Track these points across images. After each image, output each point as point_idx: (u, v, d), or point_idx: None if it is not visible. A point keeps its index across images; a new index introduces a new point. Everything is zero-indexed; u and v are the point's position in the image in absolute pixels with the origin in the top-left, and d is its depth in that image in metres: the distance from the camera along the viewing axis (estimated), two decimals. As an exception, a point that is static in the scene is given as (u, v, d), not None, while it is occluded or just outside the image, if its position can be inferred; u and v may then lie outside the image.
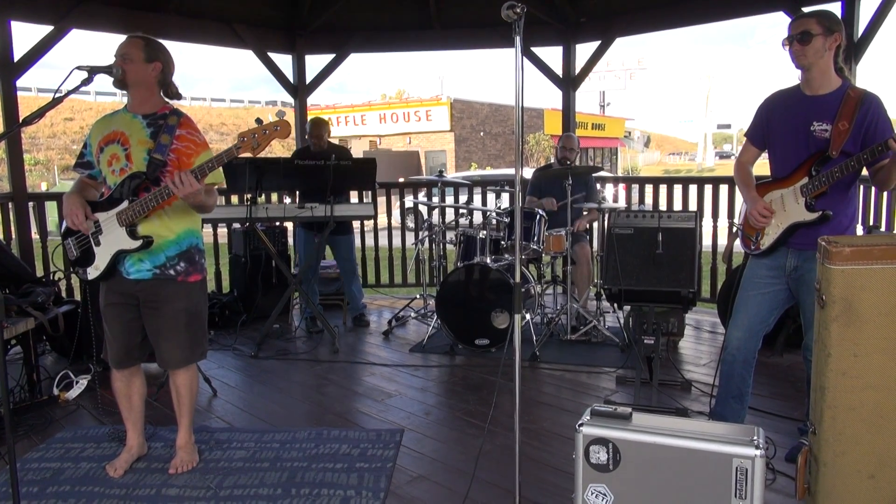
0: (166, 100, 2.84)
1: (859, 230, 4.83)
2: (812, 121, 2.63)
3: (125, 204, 2.68)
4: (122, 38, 2.76)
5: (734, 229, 3.07)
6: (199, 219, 2.93)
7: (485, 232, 4.63)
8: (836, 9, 5.00)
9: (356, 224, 6.18)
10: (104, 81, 2.68)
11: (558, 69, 6.52)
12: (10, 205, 5.15)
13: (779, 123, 2.76)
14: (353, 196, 6.08)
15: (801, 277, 2.71)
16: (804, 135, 2.66)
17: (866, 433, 1.95)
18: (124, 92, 2.76)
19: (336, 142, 5.56)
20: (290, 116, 6.49)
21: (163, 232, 2.75)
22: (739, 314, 2.87)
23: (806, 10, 2.67)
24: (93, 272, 2.80)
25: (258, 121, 2.60)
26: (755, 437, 1.91)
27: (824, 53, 2.58)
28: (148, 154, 2.69)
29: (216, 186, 2.85)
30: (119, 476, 2.87)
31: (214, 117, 36.95)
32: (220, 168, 2.73)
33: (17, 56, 4.99)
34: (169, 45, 2.94)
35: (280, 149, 35.22)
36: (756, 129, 2.88)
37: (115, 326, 2.84)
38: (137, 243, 2.69)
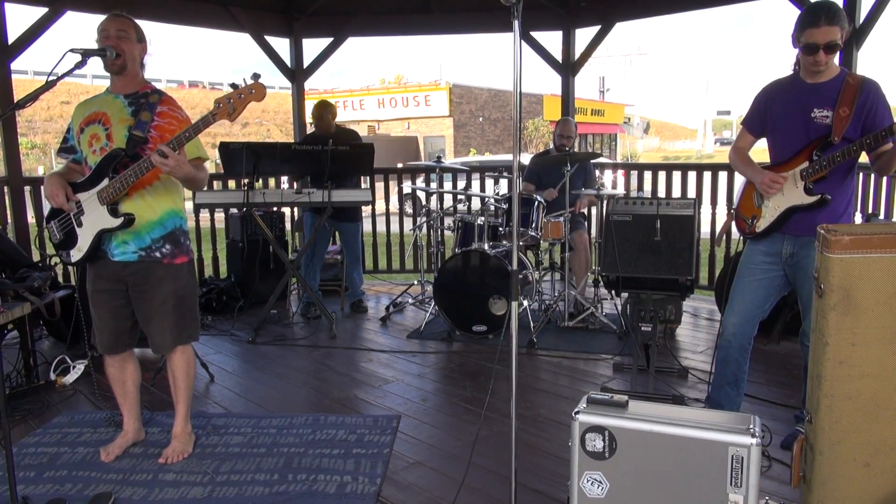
0: (146, 80, 2.81)
1: (858, 218, 4.83)
2: (813, 108, 2.64)
3: (105, 182, 2.65)
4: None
5: (730, 211, 3.07)
6: (181, 200, 2.90)
7: (483, 218, 4.62)
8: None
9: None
10: (100, 65, 2.66)
11: (558, 54, 6.47)
12: (5, 189, 5.13)
13: (779, 111, 2.76)
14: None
15: (797, 264, 2.72)
16: (805, 122, 2.66)
17: (863, 422, 1.94)
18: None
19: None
20: (289, 99, 6.43)
21: (145, 213, 2.72)
22: (735, 300, 2.88)
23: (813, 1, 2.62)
24: (76, 254, 2.76)
25: (233, 85, 2.54)
26: (751, 426, 1.91)
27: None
28: (128, 131, 2.66)
29: (204, 161, 2.82)
30: (111, 460, 2.88)
31: (212, 101, 36.70)
32: (202, 141, 2.72)
33: (11, 38, 4.94)
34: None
35: (279, 134, 34.98)
36: (754, 118, 2.89)
37: (104, 312, 2.83)
38: (118, 221, 2.66)
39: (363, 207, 6.13)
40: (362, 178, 6.21)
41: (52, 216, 2.80)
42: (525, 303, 4.78)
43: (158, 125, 2.69)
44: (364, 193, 4.96)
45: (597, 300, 5.01)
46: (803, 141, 2.68)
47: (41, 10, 5.04)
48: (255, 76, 2.55)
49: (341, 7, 6.49)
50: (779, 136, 2.79)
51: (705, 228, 5.01)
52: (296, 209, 6.02)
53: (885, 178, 4.70)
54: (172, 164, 2.51)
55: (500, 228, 4.75)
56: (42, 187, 2.86)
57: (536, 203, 4.70)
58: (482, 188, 6.66)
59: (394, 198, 13.46)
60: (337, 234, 5.49)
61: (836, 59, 2.65)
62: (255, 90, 2.53)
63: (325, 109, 5.23)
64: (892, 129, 2.43)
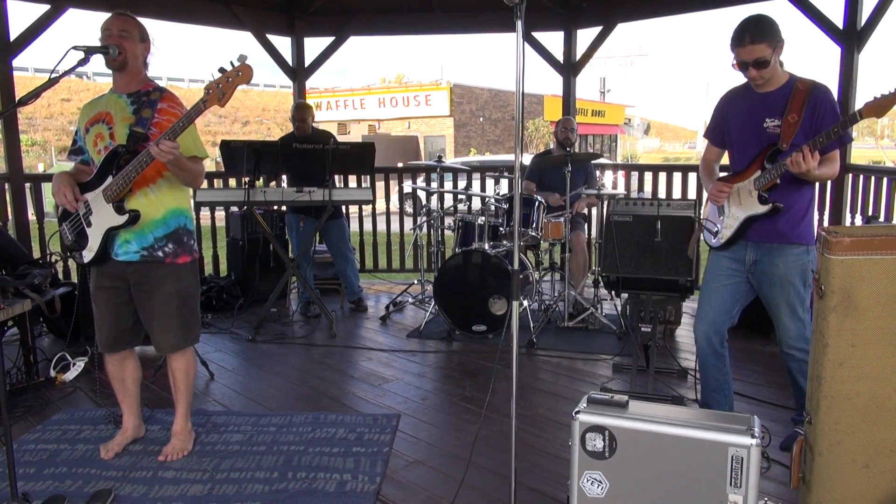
0: (149, 78, 2.81)
1: (858, 220, 4.84)
2: (764, 117, 2.66)
3: (109, 179, 2.65)
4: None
5: (699, 223, 3.08)
6: (188, 198, 2.90)
7: (483, 218, 4.62)
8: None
9: (353, 209, 6.17)
10: (101, 62, 2.65)
11: (559, 55, 6.47)
12: (6, 186, 5.12)
13: (735, 121, 2.80)
14: (344, 181, 6.07)
15: (762, 272, 2.74)
16: (758, 132, 2.69)
17: (862, 423, 1.95)
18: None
19: (335, 126, 5.50)
20: (290, 98, 6.43)
21: (149, 210, 2.72)
22: (703, 307, 2.91)
23: (744, 18, 2.61)
24: (87, 254, 2.77)
25: (221, 69, 2.48)
26: (751, 426, 1.92)
27: (775, 65, 2.60)
28: (129, 128, 2.66)
29: (202, 160, 2.81)
30: (110, 458, 2.88)
31: (212, 99, 36.63)
32: (201, 140, 2.73)
33: (13, 35, 4.94)
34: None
35: (279, 133, 34.90)
36: (714, 129, 2.94)
37: (105, 310, 2.83)
38: (124, 218, 2.65)
39: (363, 206, 6.16)
40: (363, 177, 6.22)
41: (63, 218, 2.81)
42: (525, 303, 4.78)
43: (159, 122, 2.69)
44: (365, 192, 4.96)
45: (596, 300, 5.01)
46: (756, 150, 2.70)
47: (43, 7, 5.04)
48: (242, 57, 2.48)
49: (343, 6, 6.49)
50: (735, 146, 2.83)
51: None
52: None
53: (885, 180, 4.70)
54: (166, 155, 2.48)
55: (501, 228, 4.76)
56: (44, 185, 2.85)
57: (537, 203, 4.70)
58: (482, 188, 6.66)
59: (394, 197, 13.46)
60: (320, 234, 5.45)
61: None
62: (243, 72, 2.47)
63: (304, 111, 5.21)
64: (830, 134, 2.41)
